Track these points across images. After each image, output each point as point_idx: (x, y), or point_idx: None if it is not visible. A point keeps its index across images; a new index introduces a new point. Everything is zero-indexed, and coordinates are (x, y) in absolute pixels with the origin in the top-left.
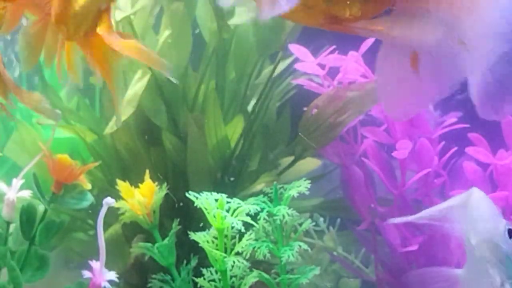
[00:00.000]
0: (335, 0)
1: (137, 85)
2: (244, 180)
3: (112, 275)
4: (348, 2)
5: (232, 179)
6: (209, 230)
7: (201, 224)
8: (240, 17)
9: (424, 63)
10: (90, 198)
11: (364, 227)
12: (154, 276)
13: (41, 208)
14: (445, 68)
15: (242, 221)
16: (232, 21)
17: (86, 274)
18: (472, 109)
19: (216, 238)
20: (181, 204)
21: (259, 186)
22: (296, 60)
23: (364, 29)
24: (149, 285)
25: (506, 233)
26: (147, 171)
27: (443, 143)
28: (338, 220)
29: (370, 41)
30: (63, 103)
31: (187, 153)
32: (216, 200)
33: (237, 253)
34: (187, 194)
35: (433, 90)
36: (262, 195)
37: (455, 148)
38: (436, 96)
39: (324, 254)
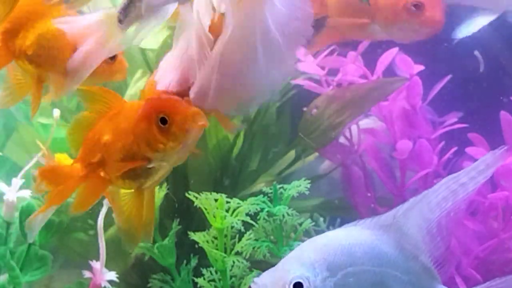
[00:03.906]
0: None
1: (137, 85)
2: (244, 180)
3: (112, 275)
4: None
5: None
6: (208, 230)
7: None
8: None
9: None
10: None
11: None
12: (154, 276)
13: None
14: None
15: (242, 221)
16: None
17: (86, 274)
18: (472, 109)
19: (216, 238)
20: (181, 204)
21: (259, 186)
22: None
23: None
24: (149, 285)
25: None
26: None
27: (443, 143)
28: (338, 220)
29: (367, 42)
30: (63, 103)
31: None
32: (216, 200)
33: (237, 253)
34: (187, 194)
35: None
36: (262, 195)
37: (455, 148)
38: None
39: None
